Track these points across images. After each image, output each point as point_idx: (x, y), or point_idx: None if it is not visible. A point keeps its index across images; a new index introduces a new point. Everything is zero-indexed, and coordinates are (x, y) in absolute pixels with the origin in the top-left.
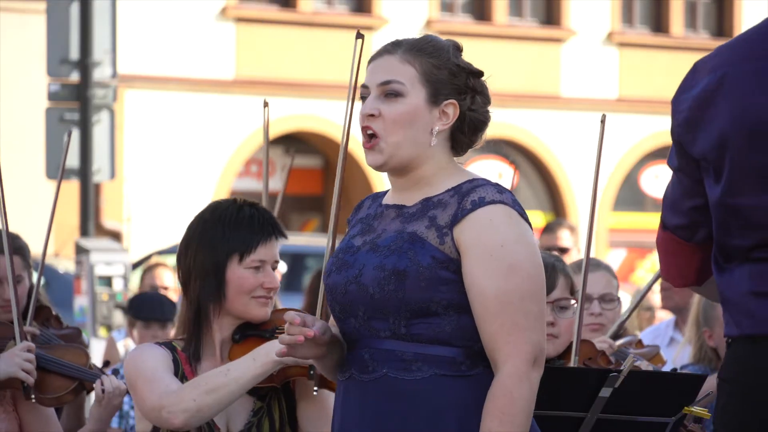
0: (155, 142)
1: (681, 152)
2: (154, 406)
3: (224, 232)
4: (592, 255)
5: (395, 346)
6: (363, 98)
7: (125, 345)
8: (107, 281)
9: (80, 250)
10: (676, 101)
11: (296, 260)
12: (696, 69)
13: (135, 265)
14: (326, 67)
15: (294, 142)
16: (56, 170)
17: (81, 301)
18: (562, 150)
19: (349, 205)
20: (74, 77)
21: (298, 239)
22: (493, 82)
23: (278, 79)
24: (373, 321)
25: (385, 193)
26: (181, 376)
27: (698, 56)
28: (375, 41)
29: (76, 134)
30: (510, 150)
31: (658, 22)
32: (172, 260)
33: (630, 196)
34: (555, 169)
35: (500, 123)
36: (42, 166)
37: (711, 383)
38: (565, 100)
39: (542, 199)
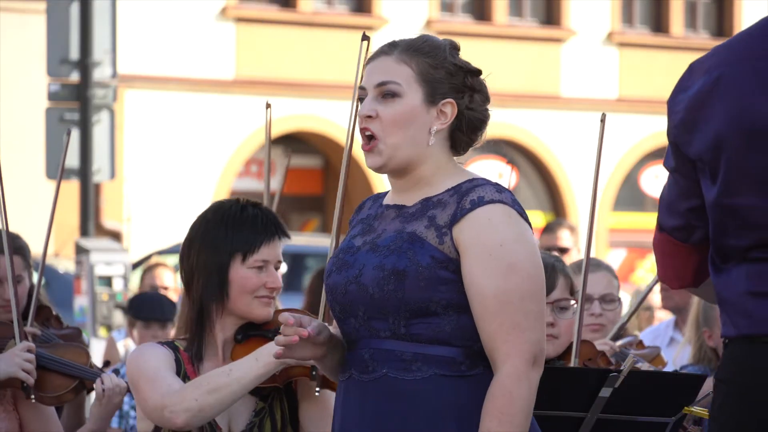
0: (155, 142)
1: (677, 153)
2: (156, 405)
3: (227, 232)
4: (592, 255)
5: (395, 346)
6: (361, 100)
7: (125, 345)
8: (107, 281)
9: (80, 250)
10: (672, 102)
11: (296, 260)
12: (692, 69)
13: (135, 265)
14: (326, 67)
15: (294, 142)
16: (56, 170)
17: (81, 301)
18: (562, 150)
19: (350, 206)
20: (74, 77)
21: (298, 239)
22: (493, 82)
23: (278, 79)
24: (372, 321)
25: (386, 193)
26: (184, 375)
27: (698, 56)
28: (375, 41)
29: (76, 134)
30: (510, 150)
31: (658, 22)
32: (172, 260)
33: (630, 196)
34: (555, 169)
35: (500, 123)
36: (42, 166)
37: (711, 383)
38: (565, 100)
39: (542, 199)
